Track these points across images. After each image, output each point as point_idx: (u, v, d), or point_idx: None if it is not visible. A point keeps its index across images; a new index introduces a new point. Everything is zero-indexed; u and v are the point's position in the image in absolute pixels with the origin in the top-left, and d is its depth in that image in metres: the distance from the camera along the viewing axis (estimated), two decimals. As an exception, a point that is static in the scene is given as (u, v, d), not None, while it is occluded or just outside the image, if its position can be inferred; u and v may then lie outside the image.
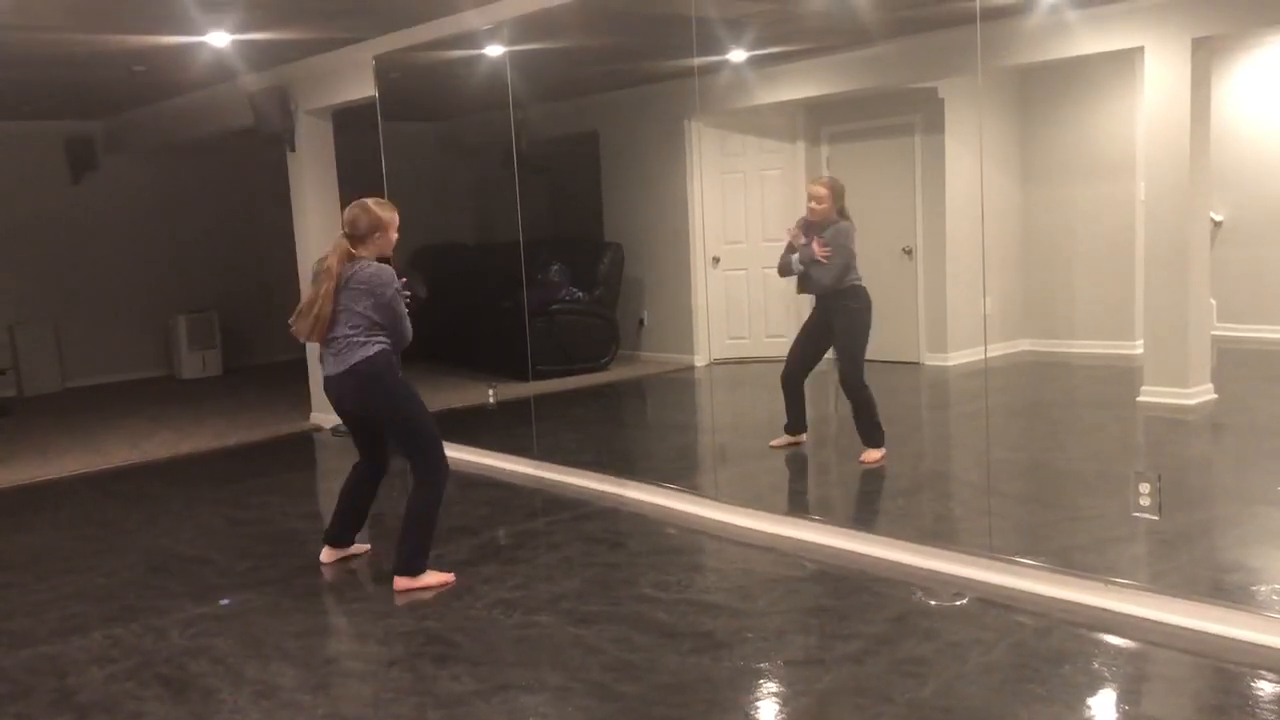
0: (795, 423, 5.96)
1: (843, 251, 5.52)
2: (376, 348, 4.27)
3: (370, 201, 4.35)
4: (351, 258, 4.26)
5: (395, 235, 4.36)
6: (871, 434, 5.63)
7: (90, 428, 8.52)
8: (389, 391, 4.32)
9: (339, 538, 4.76)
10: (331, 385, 4.38)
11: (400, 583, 4.37)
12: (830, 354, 5.80)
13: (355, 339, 4.25)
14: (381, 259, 4.35)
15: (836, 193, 5.60)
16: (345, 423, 4.60)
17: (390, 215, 4.32)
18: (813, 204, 5.60)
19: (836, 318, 5.64)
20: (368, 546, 4.90)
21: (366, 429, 4.56)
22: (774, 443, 6.02)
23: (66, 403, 9.95)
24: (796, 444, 6.00)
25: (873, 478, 5.71)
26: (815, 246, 5.55)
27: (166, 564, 5.00)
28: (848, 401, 5.66)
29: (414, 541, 4.38)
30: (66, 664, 3.85)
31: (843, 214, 5.61)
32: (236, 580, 4.69)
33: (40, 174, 10.40)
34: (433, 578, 4.41)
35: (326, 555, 4.77)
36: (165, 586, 4.66)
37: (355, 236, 4.27)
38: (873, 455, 5.64)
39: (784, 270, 5.74)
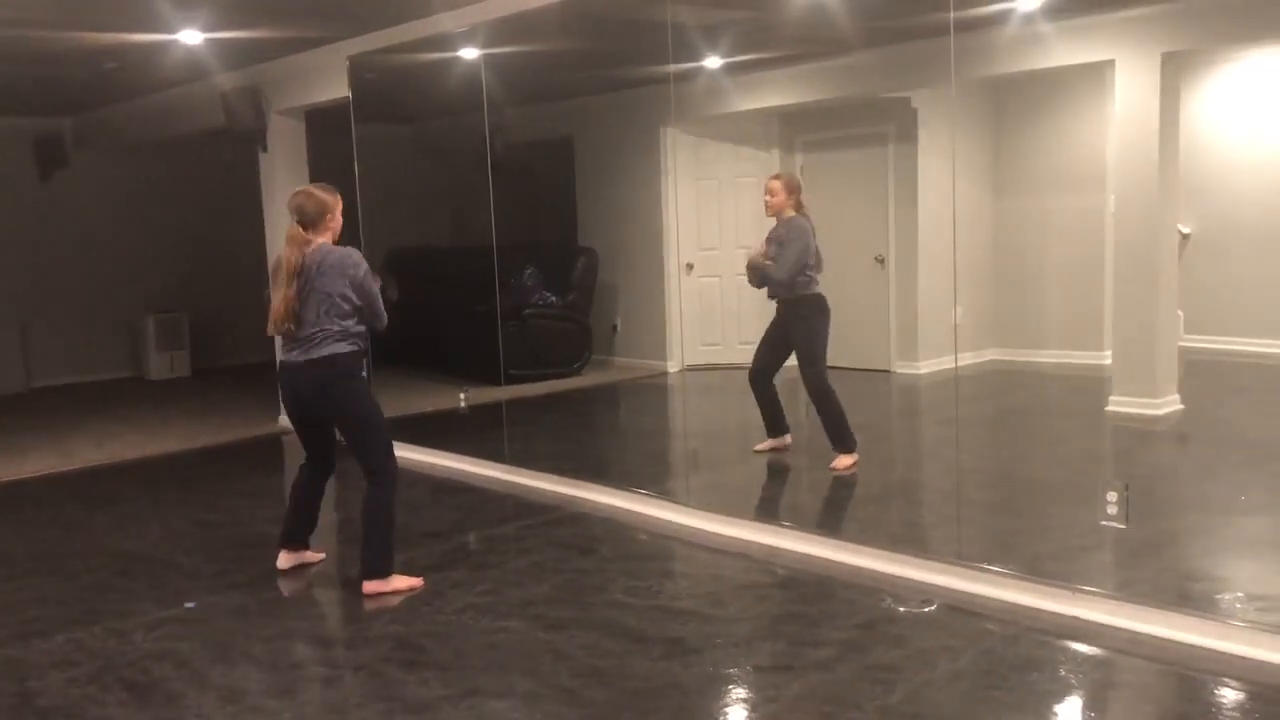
0: (774, 424, 5.94)
1: (794, 245, 5.54)
2: (348, 346, 4.26)
3: (313, 187, 4.39)
4: (307, 243, 4.25)
5: (340, 219, 4.39)
6: (841, 438, 5.63)
7: (56, 428, 8.41)
8: (349, 391, 4.31)
9: (292, 538, 4.70)
10: (290, 372, 4.32)
11: (369, 586, 4.33)
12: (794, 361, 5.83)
13: (330, 329, 4.22)
14: (335, 243, 4.37)
15: (790, 187, 5.64)
16: (292, 416, 4.53)
17: (334, 198, 4.36)
18: (766, 197, 5.66)
19: (793, 326, 5.68)
20: (322, 555, 4.83)
21: (315, 425, 4.51)
22: (758, 447, 6.00)
23: (32, 403, 9.83)
24: (781, 447, 5.97)
25: (843, 485, 5.73)
26: (757, 246, 5.61)
27: (131, 566, 4.94)
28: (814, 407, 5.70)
29: (377, 543, 4.35)
30: (27, 668, 3.79)
31: (799, 210, 5.65)
32: (203, 583, 4.64)
33: (8, 171, 10.26)
34: (401, 582, 4.38)
35: (283, 560, 4.70)
36: (130, 589, 4.61)
37: (306, 223, 4.27)
38: (844, 462, 5.64)
39: (752, 280, 5.81)
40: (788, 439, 5.99)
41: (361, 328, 4.32)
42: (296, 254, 4.22)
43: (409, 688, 3.48)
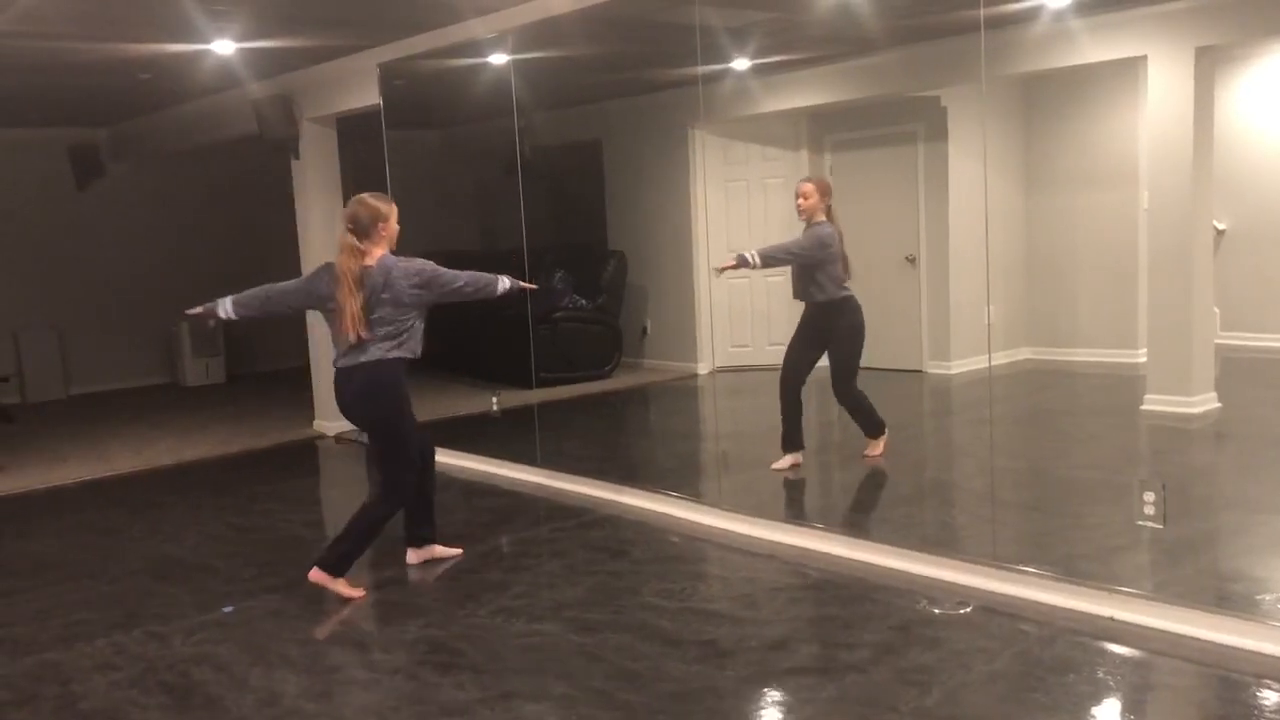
0: (792, 436, 5.81)
1: (798, 241, 5.59)
2: (392, 354, 4.33)
3: (366, 196, 4.41)
4: (361, 254, 4.28)
5: (396, 226, 4.42)
6: (872, 427, 5.76)
7: (94, 435, 8.52)
8: (386, 401, 4.37)
9: (412, 536, 4.79)
10: (340, 378, 4.42)
11: (317, 574, 4.40)
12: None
13: (377, 337, 4.29)
14: (393, 252, 4.41)
15: (823, 190, 5.64)
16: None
17: (388, 207, 4.38)
18: (799, 200, 5.65)
19: (834, 334, 5.67)
20: (458, 551, 4.88)
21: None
22: (775, 465, 5.83)
23: (70, 410, 9.96)
24: (797, 464, 5.85)
25: (876, 486, 5.70)
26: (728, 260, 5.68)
27: (170, 571, 5.00)
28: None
29: (348, 546, 4.40)
30: (70, 671, 3.85)
31: (829, 214, 5.63)
32: (240, 587, 4.69)
33: (45, 181, 10.40)
34: (344, 587, 4.41)
35: (410, 557, 4.79)
36: (169, 594, 4.66)
37: (359, 232, 4.30)
38: (876, 449, 5.73)
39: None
40: (801, 456, 5.88)
41: (408, 341, 4.36)
42: (353, 263, 4.26)
43: (444, 690, 3.50)
